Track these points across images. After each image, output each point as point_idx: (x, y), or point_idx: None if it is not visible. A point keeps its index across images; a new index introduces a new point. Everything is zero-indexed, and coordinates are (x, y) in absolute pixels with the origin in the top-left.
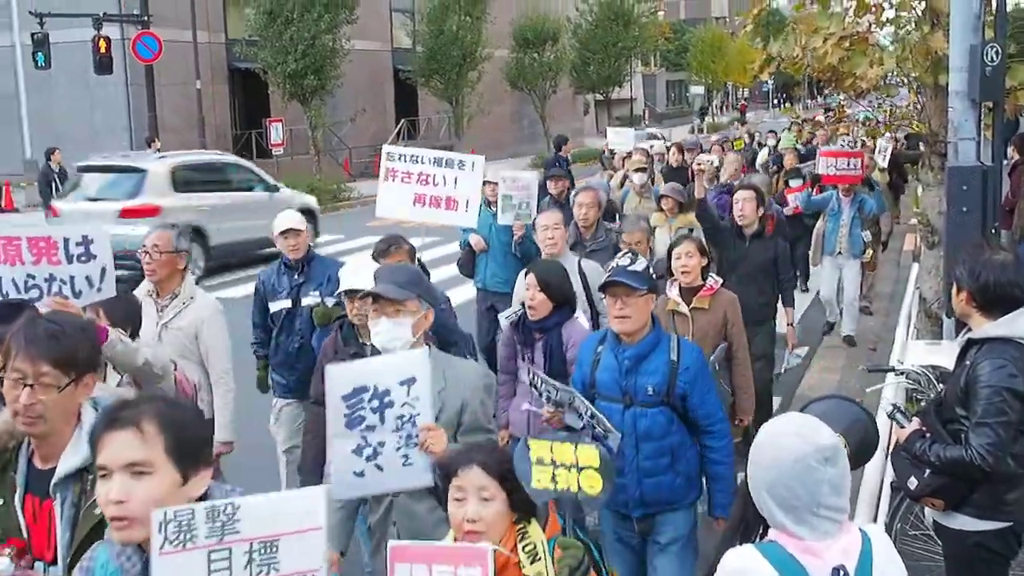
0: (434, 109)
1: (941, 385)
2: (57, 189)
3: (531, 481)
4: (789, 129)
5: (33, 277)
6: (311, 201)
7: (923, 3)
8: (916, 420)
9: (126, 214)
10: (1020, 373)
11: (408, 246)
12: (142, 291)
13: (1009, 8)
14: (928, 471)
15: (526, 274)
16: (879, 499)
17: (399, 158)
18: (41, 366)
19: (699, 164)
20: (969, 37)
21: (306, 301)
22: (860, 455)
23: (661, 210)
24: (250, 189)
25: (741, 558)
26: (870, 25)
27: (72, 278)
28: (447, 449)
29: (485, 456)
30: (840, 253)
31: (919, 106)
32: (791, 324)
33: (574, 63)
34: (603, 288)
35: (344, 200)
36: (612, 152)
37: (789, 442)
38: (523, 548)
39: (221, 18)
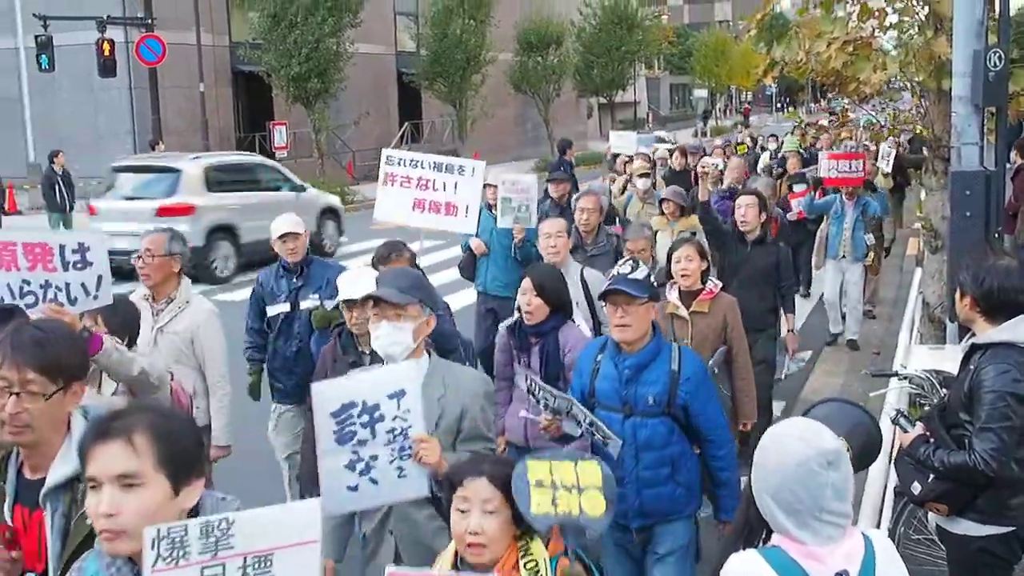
0: (438, 112)
1: (944, 390)
2: (60, 192)
3: (530, 506)
4: (792, 133)
5: (28, 283)
6: (335, 201)
7: (926, 8)
8: (920, 425)
9: (162, 212)
10: None
11: (409, 252)
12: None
13: (1012, 13)
14: (932, 476)
15: (521, 278)
16: (882, 504)
17: (398, 162)
18: (27, 373)
19: (703, 167)
20: (972, 42)
21: (305, 304)
22: (863, 458)
23: (663, 214)
24: (277, 189)
25: (744, 563)
26: (873, 30)
27: (68, 285)
28: (442, 459)
29: (493, 468)
30: (844, 257)
31: (922, 110)
32: (792, 330)
33: (578, 66)
34: (603, 296)
35: (348, 203)
36: (615, 156)
37: (792, 446)
38: (525, 565)
39: (225, 21)
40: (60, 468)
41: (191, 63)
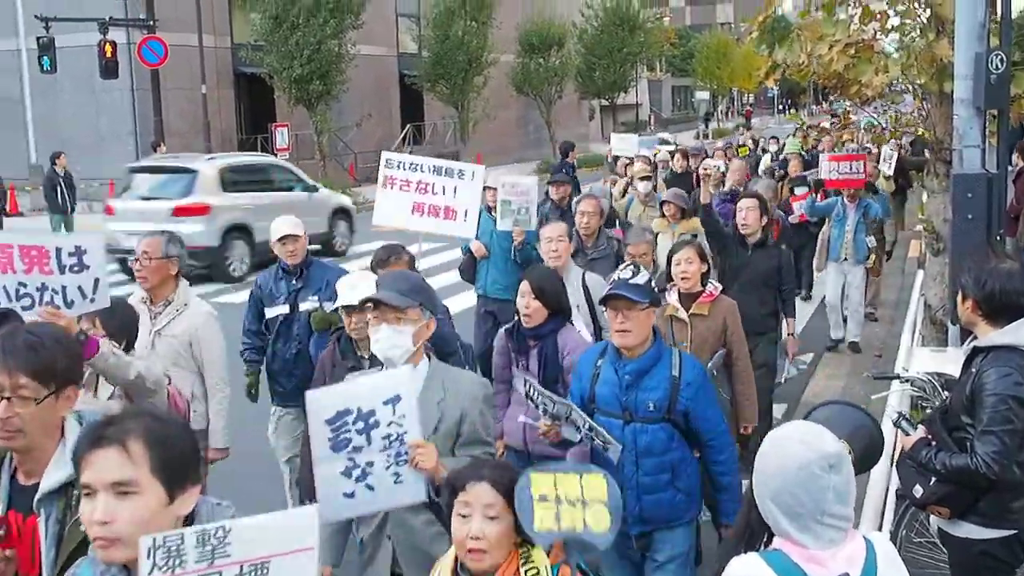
0: (440, 114)
1: (946, 392)
2: (62, 193)
3: (533, 522)
4: (794, 135)
5: (25, 286)
6: (347, 201)
7: (928, 11)
8: (921, 428)
9: (179, 212)
10: None
11: (408, 255)
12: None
13: (1014, 15)
14: (934, 479)
15: (519, 281)
16: (884, 507)
17: (398, 166)
18: (19, 378)
19: (705, 169)
20: (974, 45)
21: (304, 306)
22: (865, 461)
23: (663, 216)
24: (290, 189)
25: (745, 566)
26: (875, 32)
27: (64, 288)
28: (438, 464)
29: (495, 473)
30: (846, 259)
31: (924, 113)
32: (792, 334)
33: (580, 68)
34: (604, 301)
35: None
36: (616, 158)
37: (794, 449)
38: (526, 572)
39: (227, 22)
40: (54, 473)
41: (193, 65)
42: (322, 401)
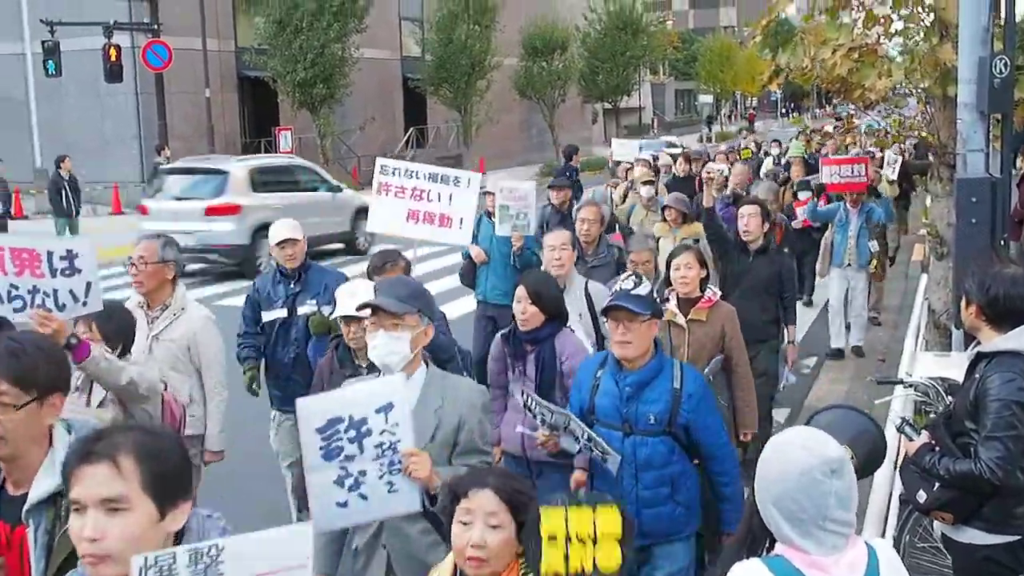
0: (443, 118)
1: (950, 397)
2: (67, 197)
3: (540, 565)
4: (797, 138)
5: (16, 288)
6: (369, 201)
7: (932, 15)
8: (925, 433)
9: (211, 212)
10: None
11: (404, 261)
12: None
13: (1018, 19)
14: (937, 484)
15: (515, 286)
16: (887, 512)
17: (393, 172)
18: (0, 384)
19: (708, 172)
20: (978, 49)
21: (302, 310)
22: (868, 466)
23: (665, 221)
24: (315, 189)
25: (747, 572)
26: (879, 37)
27: (56, 291)
28: (432, 473)
29: (498, 481)
30: (849, 265)
31: (928, 117)
32: (792, 342)
33: (583, 72)
34: (605, 312)
35: None
36: (617, 163)
37: (796, 455)
38: None
39: (231, 26)
40: (43, 483)
41: (197, 69)
42: (313, 409)
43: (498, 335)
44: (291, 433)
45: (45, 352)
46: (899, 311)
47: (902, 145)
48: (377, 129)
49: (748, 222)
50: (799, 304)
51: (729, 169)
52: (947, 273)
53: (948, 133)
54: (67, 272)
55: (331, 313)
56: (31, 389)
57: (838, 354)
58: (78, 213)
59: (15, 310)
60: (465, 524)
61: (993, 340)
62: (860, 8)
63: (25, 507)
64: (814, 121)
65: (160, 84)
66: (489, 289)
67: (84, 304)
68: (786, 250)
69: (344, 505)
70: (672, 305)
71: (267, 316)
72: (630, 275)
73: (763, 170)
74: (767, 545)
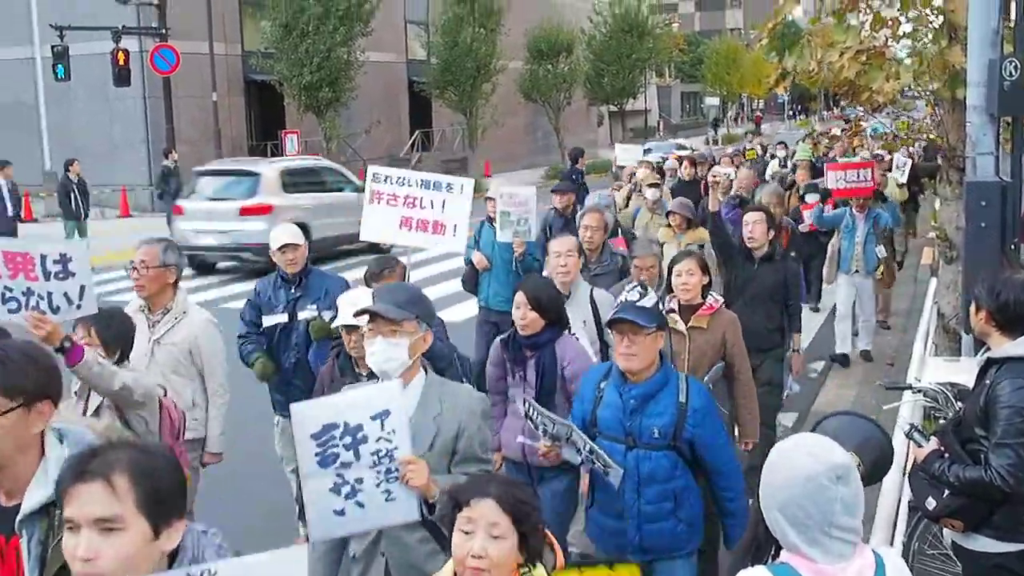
0: (448, 121)
1: (959, 403)
2: (76, 200)
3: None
4: (804, 141)
5: (11, 290)
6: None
7: (940, 17)
8: (934, 440)
9: (245, 212)
10: None
11: (401, 267)
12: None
13: None
14: (947, 492)
15: (514, 292)
16: (896, 519)
17: (385, 179)
18: None
19: (714, 176)
20: (987, 51)
21: (302, 315)
22: (875, 472)
23: (669, 226)
24: (341, 190)
25: None
26: (886, 39)
27: (50, 294)
28: (430, 482)
29: (501, 490)
30: (856, 271)
31: (937, 119)
32: (797, 350)
33: (588, 75)
34: (610, 324)
35: None
36: (621, 168)
37: (802, 461)
38: None
39: (237, 30)
40: (35, 493)
41: (204, 72)
42: (307, 414)
43: (497, 340)
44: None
45: (32, 359)
46: (908, 315)
47: (910, 148)
48: (383, 132)
49: (753, 229)
50: (806, 309)
51: (735, 172)
52: (956, 277)
53: (957, 136)
54: (61, 275)
55: (332, 318)
56: (17, 396)
57: (844, 360)
58: (87, 216)
59: (10, 311)
60: (466, 533)
61: (1003, 346)
62: (867, 11)
63: (18, 518)
64: (822, 124)
65: (167, 88)
66: (491, 295)
67: (78, 307)
68: (793, 254)
69: (341, 513)
70: (673, 311)
71: (268, 321)
72: (635, 286)
73: (769, 172)
74: (772, 553)
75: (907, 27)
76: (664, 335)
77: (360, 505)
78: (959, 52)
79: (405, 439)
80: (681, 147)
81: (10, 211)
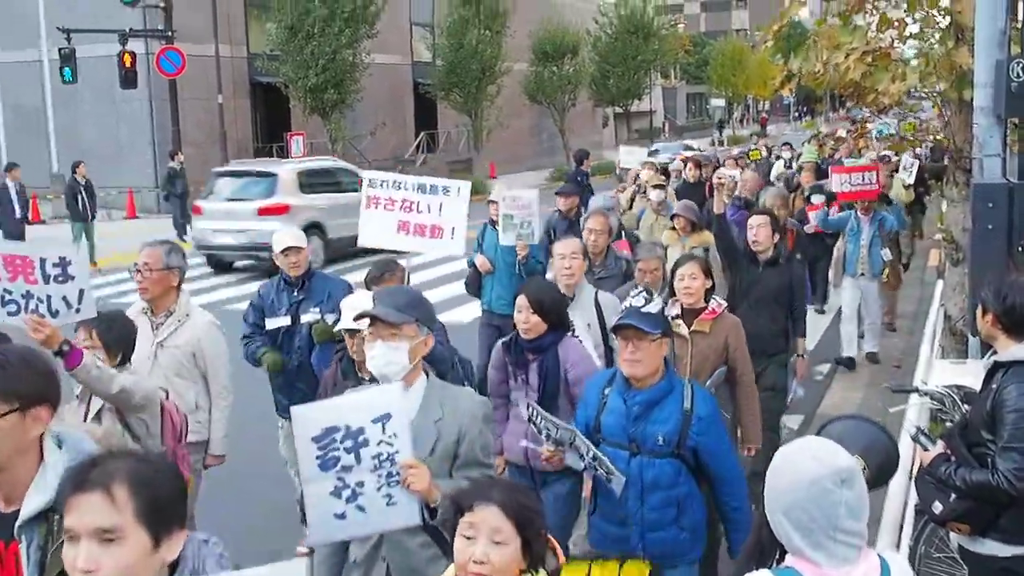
0: (453, 122)
1: (966, 406)
2: (83, 202)
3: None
4: (809, 142)
5: (10, 292)
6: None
7: (947, 18)
8: (940, 443)
9: (263, 212)
10: None
11: (402, 270)
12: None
13: None
14: (953, 495)
15: (516, 295)
16: (902, 522)
17: (380, 184)
18: None
19: (719, 178)
20: (994, 52)
21: (305, 318)
22: (880, 476)
23: (674, 229)
24: (356, 191)
25: None
26: (893, 40)
27: (49, 297)
28: (431, 486)
29: (504, 495)
30: (862, 275)
31: (944, 120)
32: (802, 355)
33: (593, 76)
34: (614, 330)
35: None
36: (625, 170)
37: (806, 465)
38: None
39: (243, 33)
40: (34, 499)
41: (210, 75)
42: (308, 417)
43: (498, 344)
44: None
45: (29, 363)
46: (914, 317)
47: (917, 149)
48: (388, 134)
49: (757, 232)
50: (812, 311)
51: (740, 174)
52: (963, 279)
53: (964, 137)
54: (60, 279)
55: (335, 321)
56: (12, 399)
57: (850, 363)
58: (94, 218)
59: (9, 314)
60: (469, 539)
61: (1010, 349)
62: (873, 11)
63: (17, 523)
64: (827, 124)
65: (173, 90)
66: (494, 299)
67: (77, 311)
68: (798, 257)
69: (342, 517)
70: (677, 317)
71: (271, 324)
72: (640, 291)
73: (774, 173)
74: (777, 557)
75: (914, 28)
76: (669, 341)
77: (361, 509)
78: (966, 53)
79: (407, 443)
80: (689, 148)
81: (18, 213)
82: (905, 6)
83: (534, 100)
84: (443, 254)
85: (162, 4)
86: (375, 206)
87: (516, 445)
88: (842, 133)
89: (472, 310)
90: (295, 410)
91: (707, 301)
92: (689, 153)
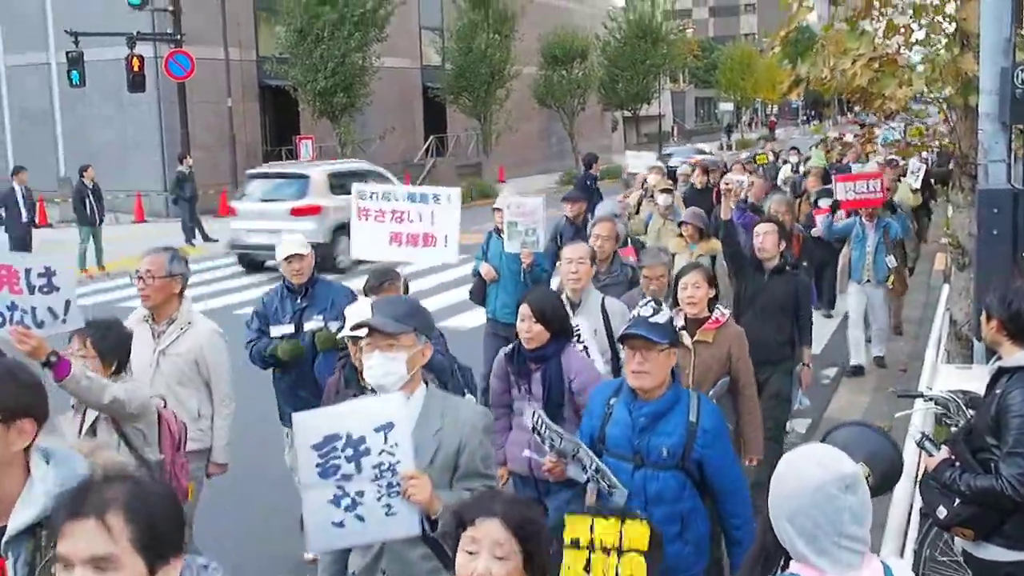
0: (463, 126)
1: (971, 411)
2: (90, 205)
3: (559, 568)
4: (817, 147)
5: None
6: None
7: (953, 24)
8: (945, 449)
9: (296, 212)
10: None
11: (401, 280)
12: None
13: None
14: (958, 500)
15: (518, 304)
16: (907, 527)
17: (370, 196)
18: None
19: (727, 183)
20: (999, 59)
21: (308, 326)
22: (884, 483)
23: (682, 236)
24: None
25: None
26: (899, 46)
27: (34, 308)
28: (433, 497)
29: (507, 508)
30: (868, 281)
31: (950, 125)
32: (807, 364)
33: (602, 80)
34: (621, 340)
35: None
36: (632, 175)
37: (810, 471)
38: None
39: (252, 36)
40: (21, 514)
41: (219, 78)
42: (309, 424)
43: (500, 354)
44: None
45: (12, 376)
46: (920, 322)
47: (924, 153)
48: (397, 138)
49: (764, 240)
50: (819, 315)
51: (748, 179)
52: (968, 284)
53: (969, 143)
54: (45, 289)
55: (338, 329)
56: None
57: (858, 371)
58: (102, 221)
59: None
60: (471, 554)
61: (1014, 355)
62: (880, 17)
63: (4, 539)
64: (835, 127)
65: (182, 93)
66: (499, 307)
67: (63, 321)
68: (804, 264)
69: (340, 525)
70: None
71: (275, 332)
72: (649, 301)
73: (781, 177)
74: (782, 563)
75: (920, 34)
76: (677, 352)
77: (360, 518)
78: (971, 59)
79: (408, 453)
80: (701, 152)
81: (24, 217)
82: (911, 12)
83: (543, 104)
84: (439, 262)
85: (171, 7)
86: (365, 218)
87: (519, 455)
88: (849, 138)
89: (472, 317)
90: (296, 417)
91: (710, 310)
92: (699, 157)
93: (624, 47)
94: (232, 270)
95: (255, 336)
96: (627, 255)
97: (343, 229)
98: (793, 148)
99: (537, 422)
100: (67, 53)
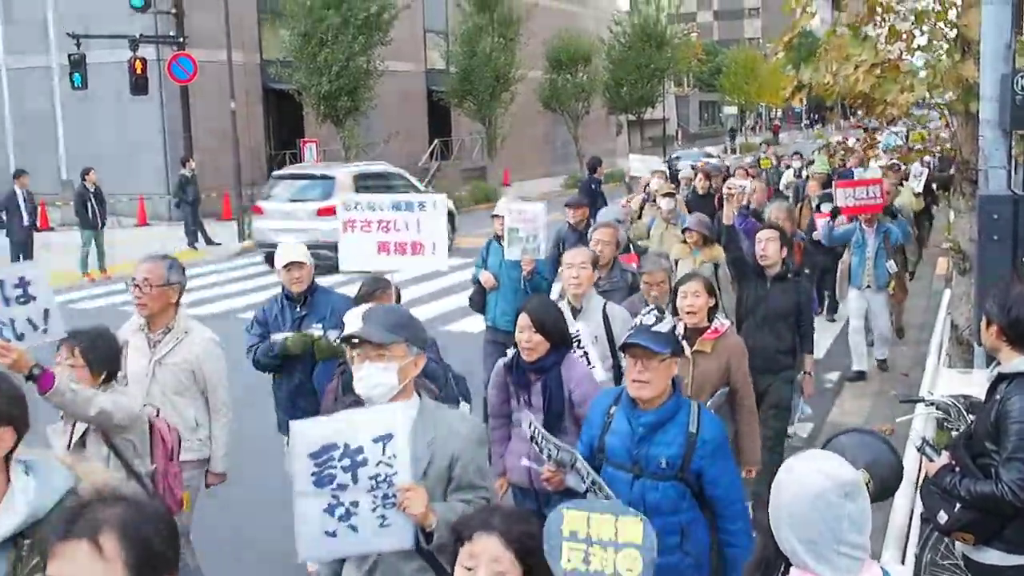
0: (467, 130)
1: (971, 416)
2: (92, 209)
3: (560, 559)
4: (820, 152)
5: None
6: (450, 204)
7: (954, 31)
8: (945, 454)
9: (322, 213)
10: None
11: (393, 288)
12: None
13: None
14: (958, 505)
15: (517, 313)
16: (908, 532)
17: (356, 207)
18: None
19: (729, 188)
20: (1000, 66)
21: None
22: (884, 490)
23: (685, 242)
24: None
25: None
26: (901, 52)
27: (12, 320)
28: (428, 510)
29: (505, 524)
30: (868, 287)
31: (951, 131)
32: (808, 373)
33: (607, 84)
34: (623, 348)
35: None
36: (634, 179)
37: (810, 478)
38: None
39: (256, 39)
40: (2, 523)
41: (222, 81)
42: (307, 433)
43: (499, 364)
44: None
45: None
46: (922, 327)
47: (926, 157)
48: (402, 142)
49: (766, 247)
50: (822, 320)
51: (751, 184)
52: (969, 289)
53: (970, 149)
54: (22, 300)
55: (337, 338)
56: None
57: (860, 376)
58: (104, 225)
59: None
60: (469, 569)
61: (1013, 361)
62: (883, 23)
63: None
64: (838, 131)
65: (185, 96)
66: (499, 315)
67: (44, 331)
68: (806, 271)
69: (333, 535)
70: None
71: (275, 339)
72: (652, 309)
73: (783, 182)
74: (782, 569)
75: (922, 40)
76: (678, 361)
77: (353, 529)
78: (972, 66)
79: (406, 465)
80: (708, 155)
81: (26, 220)
82: (913, 18)
83: (548, 108)
84: (429, 269)
85: (174, 10)
86: (352, 229)
87: (519, 465)
88: (852, 141)
89: (476, 322)
90: (294, 425)
91: (710, 320)
92: (708, 159)
93: (628, 51)
94: (235, 274)
95: (257, 340)
96: (629, 262)
97: None
98: (796, 153)
99: (534, 432)
100: (69, 55)
